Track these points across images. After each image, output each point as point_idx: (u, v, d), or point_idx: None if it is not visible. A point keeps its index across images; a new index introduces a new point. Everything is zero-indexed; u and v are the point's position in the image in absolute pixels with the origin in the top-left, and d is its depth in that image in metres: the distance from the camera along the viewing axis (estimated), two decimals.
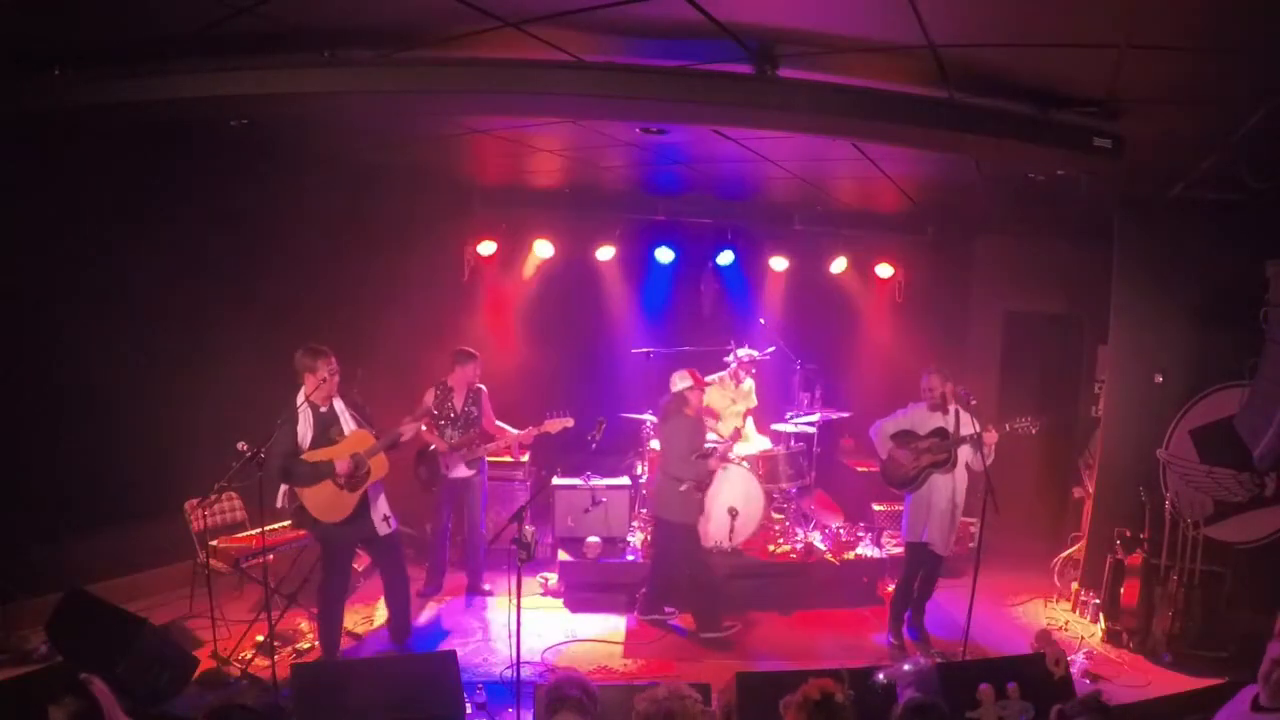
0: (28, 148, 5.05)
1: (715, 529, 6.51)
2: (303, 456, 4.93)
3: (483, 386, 6.45)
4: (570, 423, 6.01)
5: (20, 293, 5.34)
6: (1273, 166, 4.62)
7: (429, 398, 6.28)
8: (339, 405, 5.14)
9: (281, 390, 5.32)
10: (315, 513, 5.00)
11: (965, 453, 5.61)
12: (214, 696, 4.68)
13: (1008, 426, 5.56)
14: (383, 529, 5.23)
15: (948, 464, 5.59)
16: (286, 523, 5.78)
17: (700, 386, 5.90)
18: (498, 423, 6.44)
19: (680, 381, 5.83)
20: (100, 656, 4.53)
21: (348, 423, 5.13)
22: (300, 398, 4.99)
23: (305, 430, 4.98)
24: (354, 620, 5.77)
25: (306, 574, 5.85)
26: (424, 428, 6.04)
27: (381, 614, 5.99)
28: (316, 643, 5.44)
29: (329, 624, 5.25)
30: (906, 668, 3.83)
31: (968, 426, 5.50)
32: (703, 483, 5.93)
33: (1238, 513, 6.00)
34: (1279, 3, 2.66)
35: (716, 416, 7.18)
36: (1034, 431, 5.52)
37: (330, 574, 5.24)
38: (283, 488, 5.02)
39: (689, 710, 2.75)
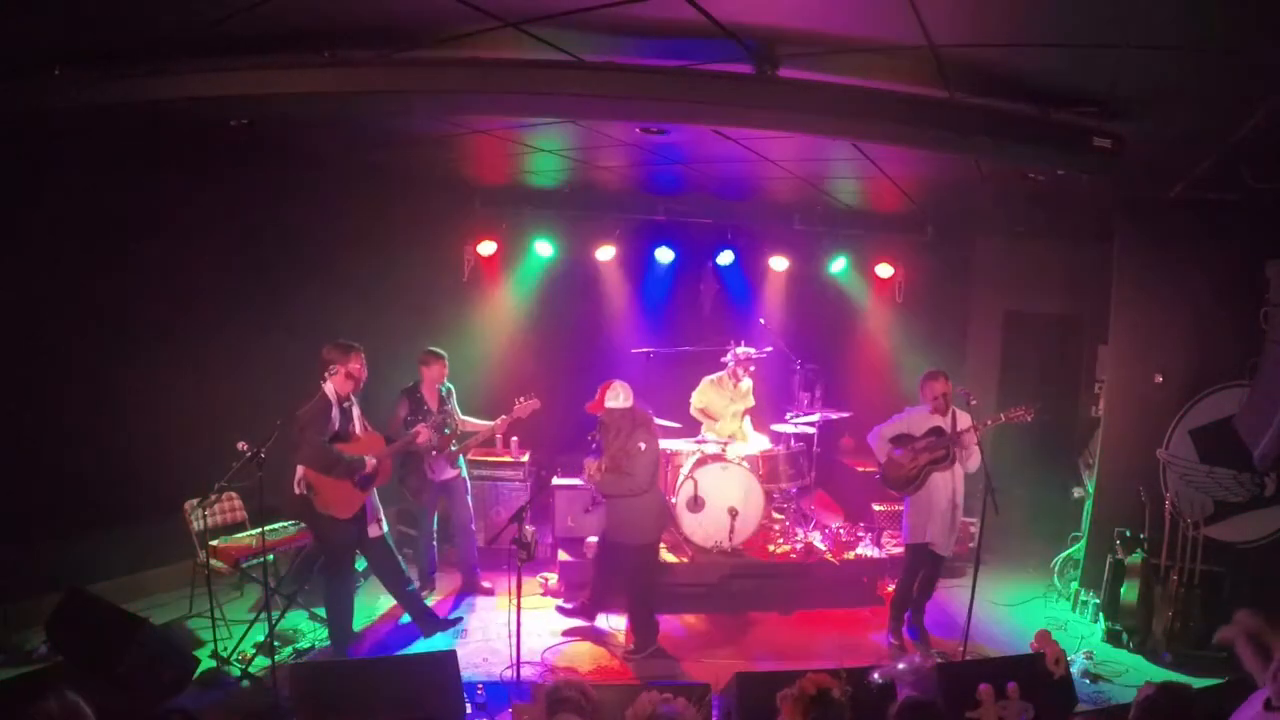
0: (28, 148, 5.05)
1: (715, 529, 6.51)
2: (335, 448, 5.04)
3: (450, 386, 6.41)
4: (537, 404, 6.00)
5: (20, 293, 5.34)
6: (1273, 166, 4.62)
7: (403, 408, 6.16)
8: (353, 403, 5.19)
9: (280, 389, 5.33)
10: (325, 506, 5.04)
11: (965, 456, 5.62)
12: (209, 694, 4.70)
13: (1003, 416, 5.57)
14: (373, 530, 5.30)
15: (946, 460, 5.59)
16: (287, 523, 5.79)
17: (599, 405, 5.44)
18: (465, 417, 6.40)
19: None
20: (100, 656, 4.53)
21: (358, 422, 5.19)
22: (330, 390, 5.07)
23: (334, 422, 5.08)
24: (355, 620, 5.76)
25: (307, 575, 5.86)
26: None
27: (382, 614, 6.00)
28: (319, 644, 5.46)
29: (341, 625, 5.27)
30: (902, 667, 3.82)
31: (966, 425, 5.52)
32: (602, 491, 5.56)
33: (1238, 513, 6.00)
34: (1278, 3, 2.66)
35: (714, 418, 7.18)
36: (1029, 419, 5.51)
37: (336, 575, 5.26)
38: (300, 473, 5.03)
39: (679, 715, 2.76)
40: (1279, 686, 2.86)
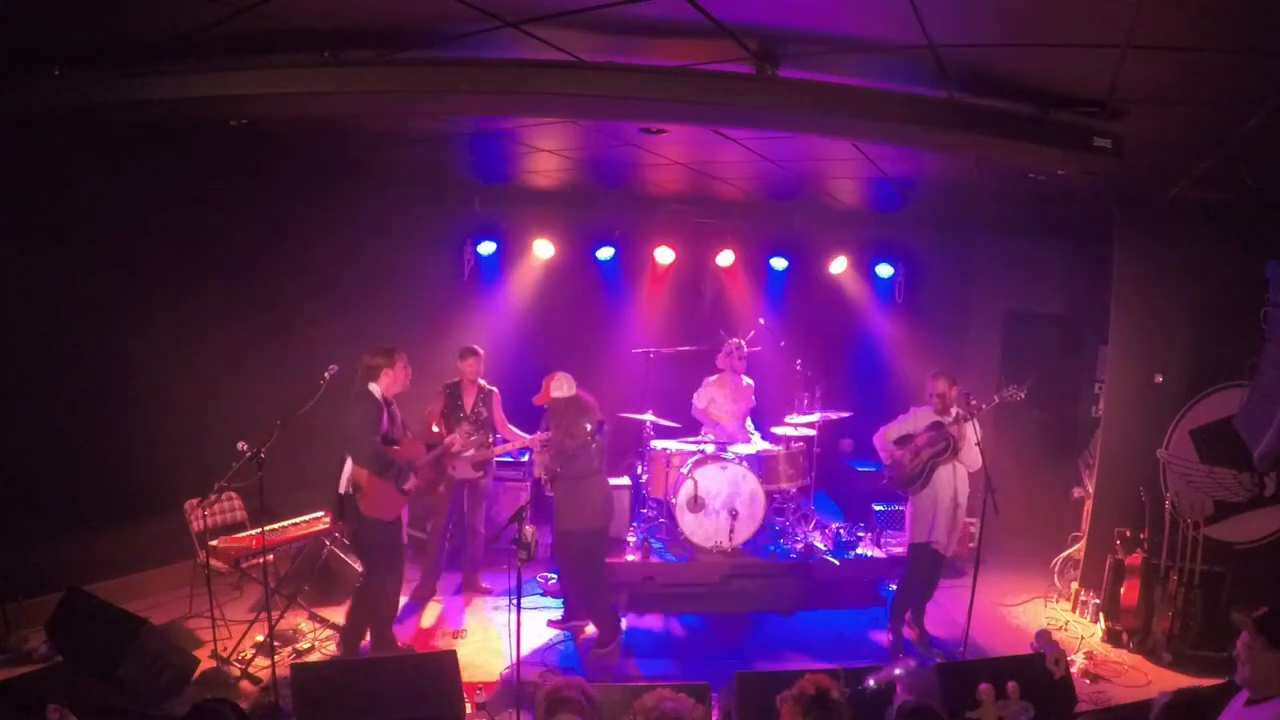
0: (29, 148, 5.05)
1: (715, 529, 6.51)
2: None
3: (494, 389, 6.45)
4: None
5: (21, 293, 5.34)
6: (1273, 166, 4.62)
7: (437, 403, 6.25)
8: (395, 406, 5.21)
9: (281, 389, 5.33)
10: (372, 509, 5.00)
11: (963, 453, 5.62)
12: (210, 695, 4.68)
13: (996, 397, 5.58)
14: (404, 536, 5.37)
15: (948, 451, 5.59)
16: (287, 522, 5.78)
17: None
18: (510, 427, 6.43)
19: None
20: (100, 656, 4.54)
21: (399, 427, 5.22)
22: (377, 391, 5.04)
23: (384, 424, 5.07)
24: None
25: (307, 574, 5.87)
26: (436, 429, 6.10)
27: None
28: (319, 644, 5.46)
29: (381, 626, 5.24)
30: (898, 671, 3.82)
31: (969, 428, 5.52)
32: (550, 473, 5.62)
33: (1238, 513, 5.99)
34: (1279, 3, 2.66)
35: (716, 418, 7.17)
36: (1022, 395, 5.51)
37: (384, 573, 5.21)
38: (348, 471, 4.98)
39: (684, 713, 2.76)
40: (1243, 672, 2.89)
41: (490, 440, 6.34)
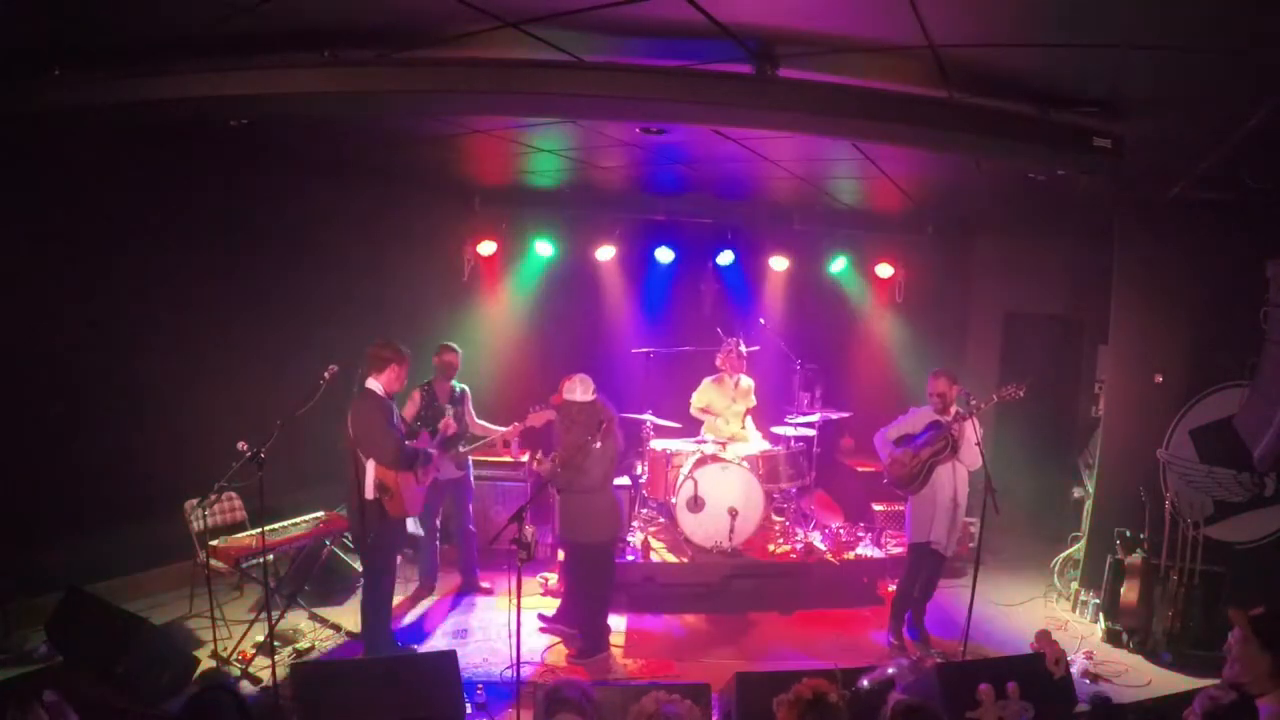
0: (29, 148, 5.05)
1: (715, 529, 6.51)
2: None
3: (465, 387, 6.45)
4: (552, 414, 5.97)
5: (22, 294, 5.34)
6: (1273, 166, 4.62)
7: (413, 404, 6.21)
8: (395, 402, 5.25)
9: (280, 389, 5.32)
10: (397, 507, 4.98)
11: (963, 452, 5.63)
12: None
13: (995, 396, 5.59)
14: (412, 527, 5.48)
15: (947, 450, 5.59)
16: (287, 522, 5.78)
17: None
18: (480, 421, 6.45)
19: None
20: (100, 656, 4.53)
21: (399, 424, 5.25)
22: (379, 387, 5.02)
23: (397, 419, 5.08)
24: (354, 620, 5.76)
25: (306, 574, 5.86)
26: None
27: None
28: (319, 644, 5.45)
29: (384, 625, 5.24)
30: (890, 671, 3.81)
31: (968, 427, 5.52)
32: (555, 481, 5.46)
33: (1237, 513, 6.00)
34: (1279, 3, 2.66)
35: (715, 417, 7.18)
36: (1021, 394, 5.51)
37: (383, 574, 5.20)
38: (371, 476, 4.93)
39: (683, 716, 2.76)
40: (1233, 670, 2.88)
41: (468, 439, 6.36)
